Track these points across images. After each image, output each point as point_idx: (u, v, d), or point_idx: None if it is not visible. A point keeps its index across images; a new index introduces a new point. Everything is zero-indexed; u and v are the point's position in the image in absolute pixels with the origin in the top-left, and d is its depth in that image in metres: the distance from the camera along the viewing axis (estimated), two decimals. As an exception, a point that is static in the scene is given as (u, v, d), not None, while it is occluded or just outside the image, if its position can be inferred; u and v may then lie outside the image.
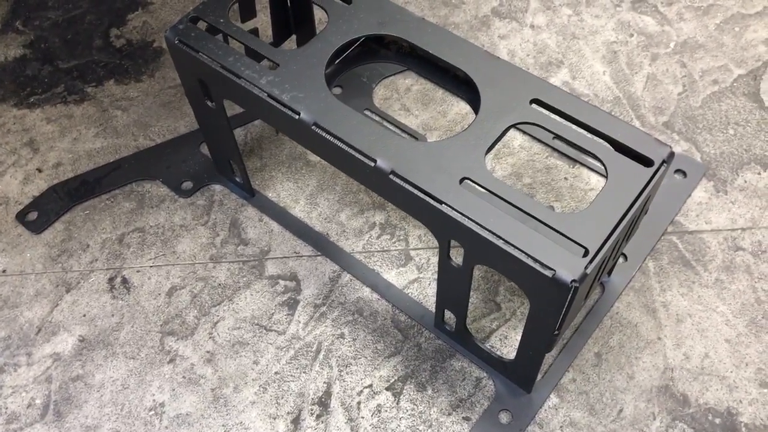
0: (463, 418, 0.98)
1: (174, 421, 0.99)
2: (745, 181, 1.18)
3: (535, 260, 0.75)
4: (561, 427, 0.97)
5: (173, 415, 0.99)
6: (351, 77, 1.28)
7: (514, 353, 1.03)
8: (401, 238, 1.14)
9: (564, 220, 0.78)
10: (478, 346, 1.00)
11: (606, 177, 0.82)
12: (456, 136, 0.86)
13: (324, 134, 0.86)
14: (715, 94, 1.29)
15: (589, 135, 0.85)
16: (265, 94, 0.89)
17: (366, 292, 1.09)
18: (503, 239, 0.76)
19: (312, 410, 0.99)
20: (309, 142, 0.91)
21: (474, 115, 1.24)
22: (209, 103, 1.02)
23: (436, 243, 1.13)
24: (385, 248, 1.14)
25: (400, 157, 0.83)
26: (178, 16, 1.44)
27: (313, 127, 0.86)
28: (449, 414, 0.98)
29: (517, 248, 0.76)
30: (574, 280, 0.73)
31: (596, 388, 1.00)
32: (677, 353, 1.02)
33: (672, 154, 0.83)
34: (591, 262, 0.75)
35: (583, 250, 0.76)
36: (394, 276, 1.11)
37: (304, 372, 1.02)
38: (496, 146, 1.23)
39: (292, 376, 1.02)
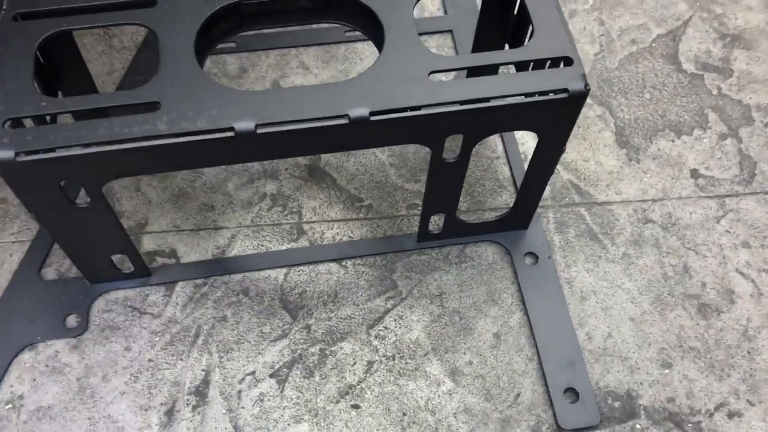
0: (351, 405, 0.92)
1: (34, 415, 0.90)
2: (659, 149, 1.12)
3: (545, 93, 0.78)
4: (455, 414, 0.91)
5: (33, 409, 0.90)
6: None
7: (416, 327, 0.96)
8: (294, 210, 1.06)
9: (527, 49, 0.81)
10: (474, 224, 1.02)
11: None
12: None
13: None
14: (633, 55, 1.22)
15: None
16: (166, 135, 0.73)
17: (253, 269, 1.01)
18: (508, 95, 0.77)
19: (188, 400, 0.91)
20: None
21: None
22: (81, 204, 0.82)
23: (331, 216, 1.05)
24: (276, 221, 1.05)
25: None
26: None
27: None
28: (337, 402, 0.92)
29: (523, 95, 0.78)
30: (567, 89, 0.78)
31: (493, 372, 0.94)
32: (580, 333, 0.97)
33: None
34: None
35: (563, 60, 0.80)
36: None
37: (180, 359, 0.94)
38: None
39: (167, 363, 0.94)
